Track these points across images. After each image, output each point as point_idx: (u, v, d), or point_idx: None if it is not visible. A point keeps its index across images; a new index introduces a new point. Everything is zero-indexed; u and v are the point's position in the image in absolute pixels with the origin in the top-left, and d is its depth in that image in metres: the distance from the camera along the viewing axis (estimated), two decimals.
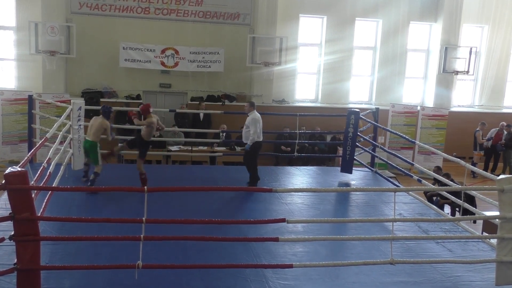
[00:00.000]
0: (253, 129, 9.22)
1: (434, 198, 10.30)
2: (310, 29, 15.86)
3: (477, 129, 15.07)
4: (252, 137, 9.24)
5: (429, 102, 16.35)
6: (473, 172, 13.58)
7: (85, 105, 10.48)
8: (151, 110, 8.79)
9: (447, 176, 9.67)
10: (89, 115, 11.45)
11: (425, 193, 10.37)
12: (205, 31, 14.91)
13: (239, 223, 7.12)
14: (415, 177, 9.16)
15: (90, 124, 8.98)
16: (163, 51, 14.23)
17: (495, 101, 17.31)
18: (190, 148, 12.65)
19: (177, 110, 12.56)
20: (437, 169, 10.79)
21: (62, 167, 8.56)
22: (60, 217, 6.46)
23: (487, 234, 8.18)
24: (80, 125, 9.58)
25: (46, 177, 6.84)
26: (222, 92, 15.10)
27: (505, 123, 15.10)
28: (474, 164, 14.22)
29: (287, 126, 14.04)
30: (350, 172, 10.64)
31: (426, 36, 16.62)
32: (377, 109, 11.48)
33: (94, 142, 8.78)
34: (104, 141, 9.14)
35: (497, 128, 15.16)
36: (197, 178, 9.93)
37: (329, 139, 14.89)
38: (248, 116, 9.42)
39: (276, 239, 5.84)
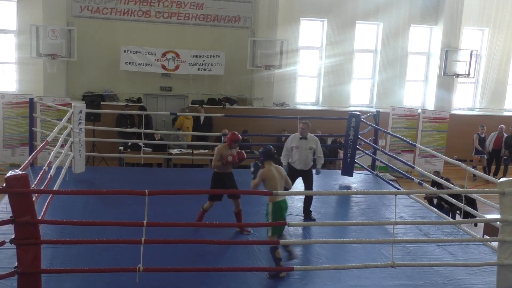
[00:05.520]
0: (320, 150, 8.15)
1: (435, 200, 10.29)
2: (311, 32, 15.89)
3: (479, 132, 15.04)
4: (323, 159, 8.24)
5: (430, 105, 16.35)
6: (473, 175, 13.55)
7: (86, 108, 10.47)
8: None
9: (447, 181, 9.66)
10: (90, 118, 11.46)
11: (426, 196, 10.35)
12: (206, 34, 14.94)
13: (241, 226, 7.09)
14: (416, 180, 9.15)
15: (275, 178, 6.20)
16: (164, 54, 14.26)
17: (496, 104, 17.32)
18: (191, 151, 12.65)
19: (178, 114, 12.56)
20: (437, 174, 10.80)
21: (63, 171, 8.57)
22: (61, 220, 6.46)
23: (488, 237, 8.17)
24: (81, 128, 9.57)
25: (47, 181, 6.84)
26: (223, 95, 15.12)
27: (504, 126, 15.05)
28: (474, 168, 14.18)
29: (285, 129, 14.05)
30: (351, 175, 10.62)
31: (426, 39, 16.63)
32: (378, 112, 11.47)
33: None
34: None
35: (497, 132, 15.12)
36: (198, 181, 9.89)
37: (329, 142, 14.87)
38: (306, 139, 7.99)
39: (277, 242, 5.85)
